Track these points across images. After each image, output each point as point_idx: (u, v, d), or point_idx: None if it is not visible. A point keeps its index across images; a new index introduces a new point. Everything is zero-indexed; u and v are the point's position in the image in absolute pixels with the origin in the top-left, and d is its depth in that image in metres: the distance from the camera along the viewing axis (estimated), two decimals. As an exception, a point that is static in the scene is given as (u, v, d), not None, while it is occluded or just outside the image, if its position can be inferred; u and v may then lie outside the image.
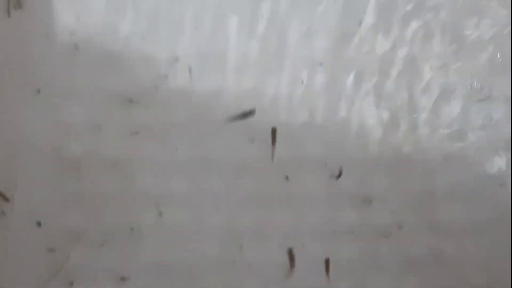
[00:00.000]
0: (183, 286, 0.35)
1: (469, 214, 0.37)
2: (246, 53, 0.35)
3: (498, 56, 0.37)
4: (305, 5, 0.36)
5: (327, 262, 0.36)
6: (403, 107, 0.37)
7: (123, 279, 0.35)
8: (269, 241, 0.36)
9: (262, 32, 0.35)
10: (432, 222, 0.37)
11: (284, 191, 0.36)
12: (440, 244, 0.37)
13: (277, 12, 0.35)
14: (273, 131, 0.36)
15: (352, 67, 0.36)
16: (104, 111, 0.34)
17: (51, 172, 0.34)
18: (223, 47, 0.35)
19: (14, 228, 0.34)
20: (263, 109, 0.35)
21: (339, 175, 0.36)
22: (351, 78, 0.36)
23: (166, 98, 0.35)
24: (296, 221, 0.36)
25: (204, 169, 0.35)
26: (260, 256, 0.36)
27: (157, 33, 0.35)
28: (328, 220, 0.36)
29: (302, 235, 0.36)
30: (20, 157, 0.34)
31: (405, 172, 0.36)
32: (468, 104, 0.37)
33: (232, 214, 0.36)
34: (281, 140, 0.36)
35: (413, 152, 0.36)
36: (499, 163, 0.37)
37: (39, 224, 0.34)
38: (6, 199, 0.34)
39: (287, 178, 0.36)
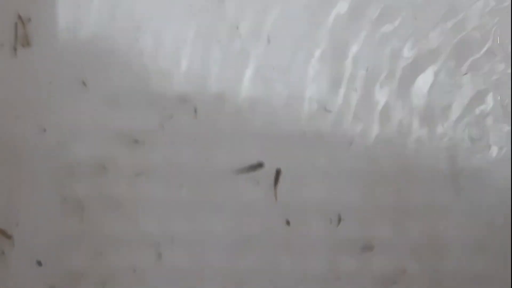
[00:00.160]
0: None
1: (475, 262, 0.37)
2: (253, 96, 0.35)
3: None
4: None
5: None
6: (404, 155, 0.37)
7: (123, 321, 0.34)
8: (270, 285, 0.36)
9: (271, 76, 0.35)
10: (437, 270, 0.36)
11: (285, 235, 0.36)
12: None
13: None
14: (277, 172, 0.36)
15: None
16: (109, 151, 0.34)
17: (54, 211, 0.34)
18: (230, 88, 0.35)
19: (14, 267, 0.34)
20: (269, 152, 0.35)
21: (340, 220, 0.36)
22: (359, 126, 0.36)
23: (171, 139, 0.35)
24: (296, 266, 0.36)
25: (206, 210, 0.35)
26: (261, 299, 0.36)
27: (163, 73, 0.35)
28: (329, 266, 0.36)
29: (302, 281, 0.36)
30: (23, 195, 0.34)
31: (408, 218, 0.36)
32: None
33: (233, 256, 0.35)
34: (283, 182, 0.36)
35: (416, 198, 0.36)
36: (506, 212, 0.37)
37: (39, 263, 0.34)
38: (8, 237, 0.34)
39: (288, 222, 0.36)
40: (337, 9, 0.36)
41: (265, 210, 0.35)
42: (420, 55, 0.36)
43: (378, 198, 0.36)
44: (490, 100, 0.37)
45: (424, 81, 0.36)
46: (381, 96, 0.36)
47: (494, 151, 0.37)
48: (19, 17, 0.34)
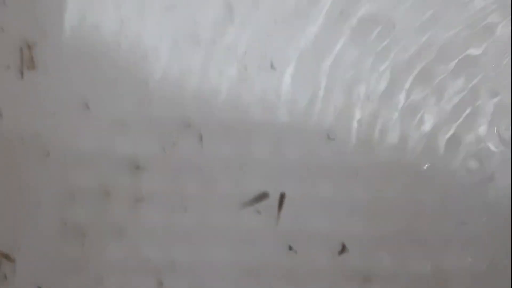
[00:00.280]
0: None
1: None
2: (258, 122, 0.35)
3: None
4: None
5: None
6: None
7: None
8: (271, 314, 0.35)
9: (275, 101, 0.35)
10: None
11: (288, 264, 0.35)
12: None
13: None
14: (281, 196, 0.35)
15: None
16: (111, 177, 0.34)
17: (55, 236, 0.34)
18: (235, 115, 0.35)
19: (15, 291, 0.34)
20: (271, 180, 0.35)
21: (342, 250, 0.36)
22: (362, 152, 0.36)
23: (174, 165, 0.35)
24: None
25: (208, 238, 0.35)
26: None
27: (167, 97, 0.35)
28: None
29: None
30: (25, 220, 0.34)
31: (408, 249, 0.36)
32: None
33: (234, 285, 0.35)
34: (287, 208, 0.35)
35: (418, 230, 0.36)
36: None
37: (40, 288, 0.34)
38: (11, 260, 0.34)
39: (290, 248, 0.36)
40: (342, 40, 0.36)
41: (268, 239, 0.35)
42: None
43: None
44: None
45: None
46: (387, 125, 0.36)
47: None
48: (26, 41, 0.34)
